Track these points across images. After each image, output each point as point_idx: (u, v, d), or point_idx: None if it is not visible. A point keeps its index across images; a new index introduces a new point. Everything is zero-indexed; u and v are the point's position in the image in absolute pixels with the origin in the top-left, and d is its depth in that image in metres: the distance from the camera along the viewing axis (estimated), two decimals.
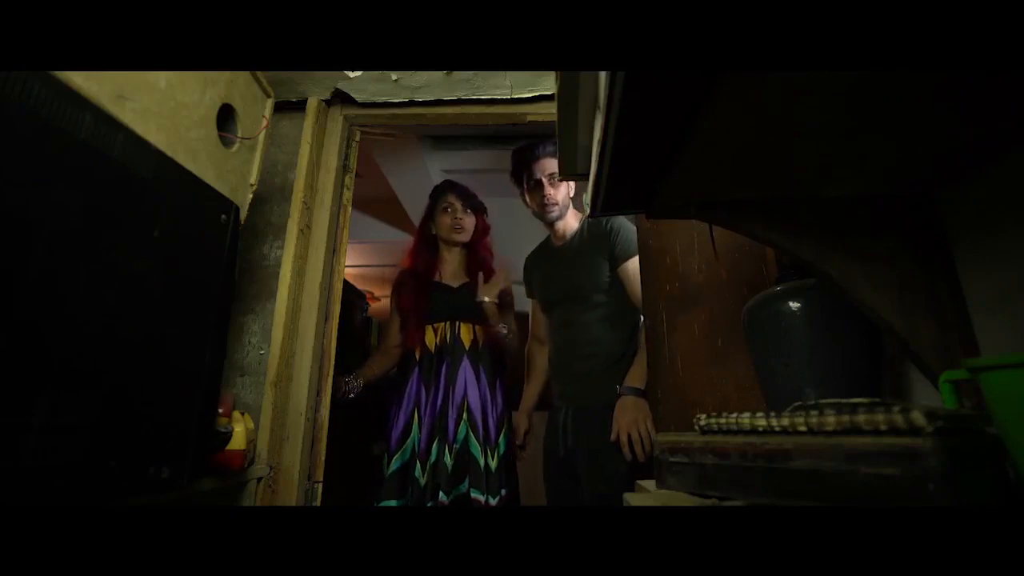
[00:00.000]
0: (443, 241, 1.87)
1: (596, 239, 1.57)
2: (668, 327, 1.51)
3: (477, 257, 1.90)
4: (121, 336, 0.68)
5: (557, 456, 1.55)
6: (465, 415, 1.61)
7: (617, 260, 1.52)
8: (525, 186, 1.67)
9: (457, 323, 1.75)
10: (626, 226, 1.56)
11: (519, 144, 1.70)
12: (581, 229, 1.63)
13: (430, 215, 1.90)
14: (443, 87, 1.43)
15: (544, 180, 1.60)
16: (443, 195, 1.87)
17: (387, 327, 1.85)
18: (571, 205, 1.68)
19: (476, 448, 1.56)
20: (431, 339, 1.72)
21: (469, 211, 1.86)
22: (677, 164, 0.53)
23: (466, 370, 1.68)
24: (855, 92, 0.41)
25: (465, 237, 1.84)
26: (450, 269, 1.88)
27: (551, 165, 1.59)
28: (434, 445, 1.54)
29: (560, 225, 1.65)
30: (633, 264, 1.51)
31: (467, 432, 1.58)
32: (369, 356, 1.87)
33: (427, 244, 1.90)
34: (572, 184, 1.66)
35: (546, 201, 1.61)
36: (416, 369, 1.69)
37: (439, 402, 1.62)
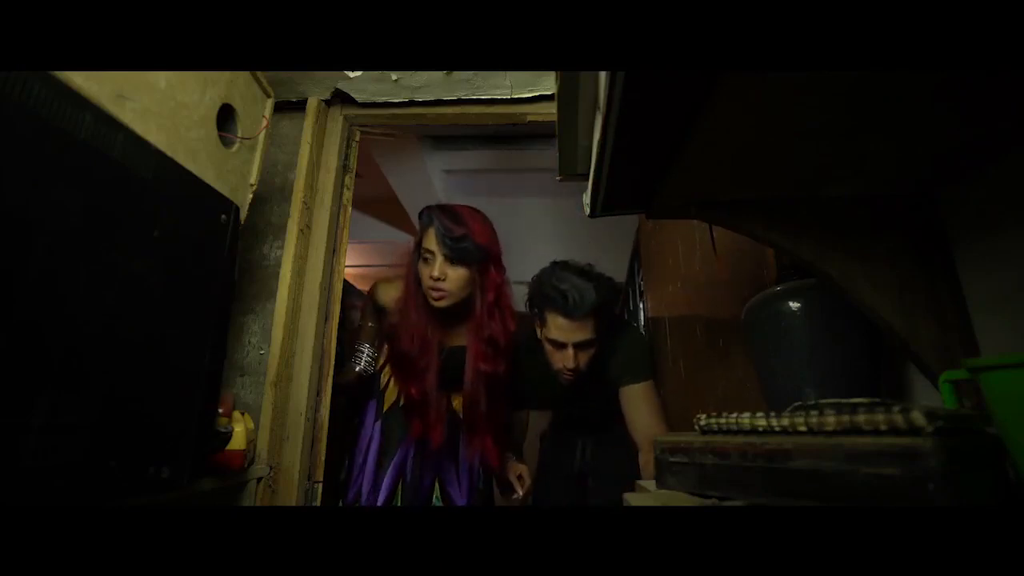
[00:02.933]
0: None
1: (600, 369, 1.36)
2: (669, 327, 1.51)
3: (479, 336, 1.31)
4: (121, 336, 0.68)
5: (571, 470, 1.53)
6: (438, 495, 1.36)
7: (618, 383, 1.36)
8: (542, 332, 1.34)
9: (449, 396, 1.38)
10: (633, 345, 1.38)
11: (543, 277, 1.32)
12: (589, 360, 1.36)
13: (418, 249, 1.33)
14: (443, 87, 1.43)
15: (571, 349, 1.27)
16: (423, 228, 1.31)
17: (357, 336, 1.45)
18: None
19: None
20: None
21: (456, 264, 1.25)
22: (677, 164, 0.53)
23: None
24: (855, 92, 0.41)
25: (450, 301, 1.27)
26: (454, 327, 1.39)
27: (583, 330, 1.26)
28: None
29: None
30: (634, 391, 1.33)
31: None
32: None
33: (419, 296, 1.32)
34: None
35: (567, 371, 1.30)
36: (380, 424, 1.36)
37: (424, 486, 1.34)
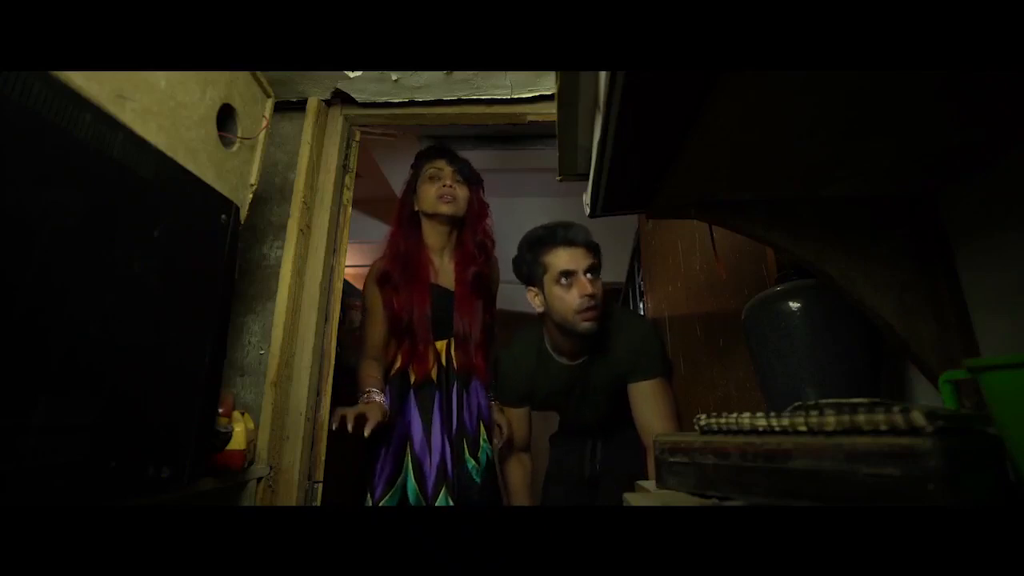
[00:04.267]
0: (428, 217, 1.46)
1: (615, 361, 1.33)
2: (669, 327, 1.51)
3: (472, 240, 1.46)
4: (121, 336, 0.68)
5: (581, 475, 1.49)
6: (466, 445, 1.34)
7: (629, 378, 1.32)
8: (545, 290, 1.29)
9: (451, 341, 1.40)
10: (642, 337, 1.34)
11: (537, 232, 1.34)
12: (596, 346, 1.34)
13: (412, 187, 1.49)
14: (443, 87, 1.43)
15: (583, 275, 1.25)
16: (428, 160, 1.48)
17: (368, 332, 1.39)
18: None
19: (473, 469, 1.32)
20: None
21: (462, 180, 1.46)
22: (677, 164, 0.53)
23: (463, 397, 1.38)
24: (855, 92, 0.41)
25: (456, 209, 1.42)
26: (439, 260, 1.47)
27: (588, 255, 1.26)
28: (440, 497, 1.23)
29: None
30: (643, 389, 1.30)
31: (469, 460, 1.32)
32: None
33: (410, 227, 1.47)
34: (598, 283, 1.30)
35: (588, 300, 1.22)
36: (412, 398, 1.32)
37: (447, 444, 1.28)
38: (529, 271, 1.33)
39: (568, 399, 1.44)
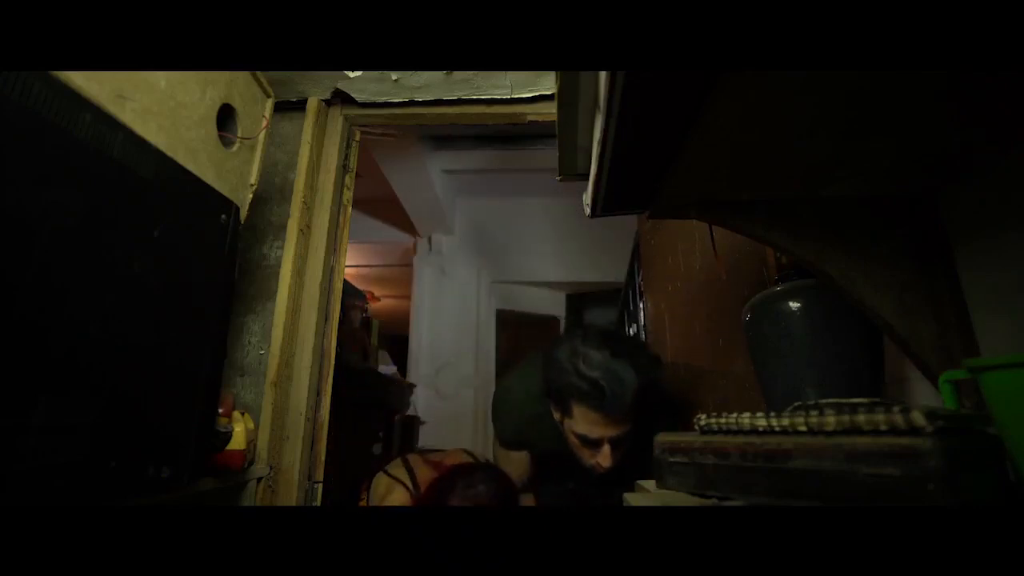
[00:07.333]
0: None
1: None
2: (669, 327, 1.51)
3: None
4: (121, 336, 0.68)
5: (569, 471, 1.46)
6: None
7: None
8: (563, 420, 1.08)
9: None
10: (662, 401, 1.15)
11: (561, 361, 1.04)
12: None
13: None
14: (443, 87, 1.43)
15: (607, 446, 1.03)
16: None
17: None
18: None
19: None
20: None
21: None
22: (677, 164, 0.53)
23: None
24: (855, 92, 0.41)
25: None
26: None
27: (622, 423, 1.01)
28: None
29: None
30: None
31: None
32: (367, 355, 1.48)
33: None
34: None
35: (601, 468, 1.05)
36: None
37: None
38: (556, 394, 1.07)
39: (574, 459, 1.22)
